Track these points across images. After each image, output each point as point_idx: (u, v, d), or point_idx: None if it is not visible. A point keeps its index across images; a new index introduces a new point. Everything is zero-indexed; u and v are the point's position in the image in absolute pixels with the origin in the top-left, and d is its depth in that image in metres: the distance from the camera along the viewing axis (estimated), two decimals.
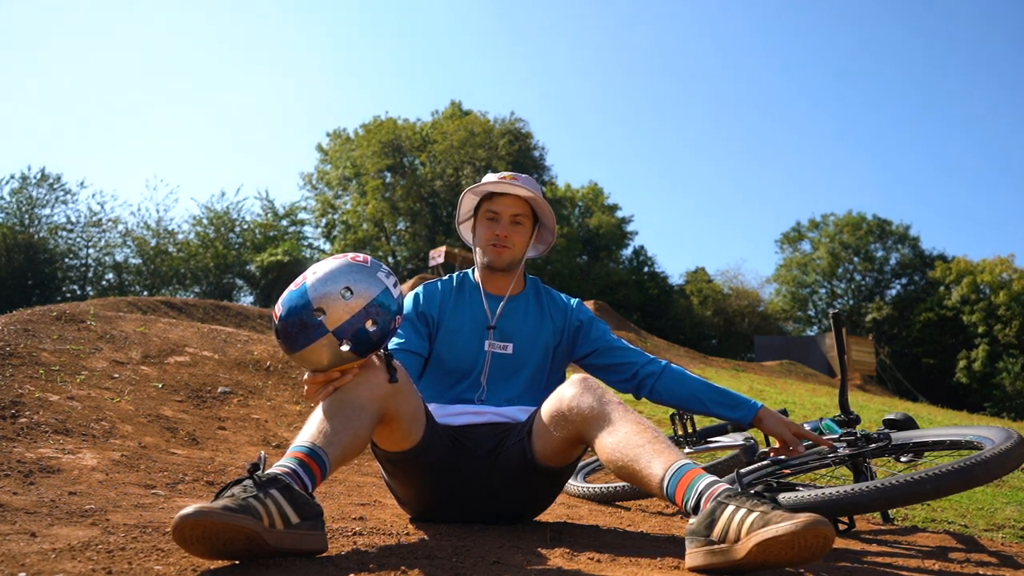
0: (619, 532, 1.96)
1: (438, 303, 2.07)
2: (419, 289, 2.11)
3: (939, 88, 60.86)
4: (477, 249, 2.12)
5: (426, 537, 1.64)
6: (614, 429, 1.60)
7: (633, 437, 1.56)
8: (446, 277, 2.17)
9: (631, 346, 2.12)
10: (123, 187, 60.18)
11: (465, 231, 2.23)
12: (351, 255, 1.60)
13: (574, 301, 2.20)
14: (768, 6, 62.56)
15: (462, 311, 2.07)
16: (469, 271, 2.19)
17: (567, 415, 1.69)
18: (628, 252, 35.83)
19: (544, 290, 2.20)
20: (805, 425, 2.53)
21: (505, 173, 2.08)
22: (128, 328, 4.75)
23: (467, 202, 2.15)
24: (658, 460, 1.49)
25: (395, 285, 1.60)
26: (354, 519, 1.86)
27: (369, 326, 1.53)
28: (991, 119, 58.64)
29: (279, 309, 1.54)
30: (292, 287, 1.56)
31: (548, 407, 1.77)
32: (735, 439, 2.64)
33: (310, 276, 1.55)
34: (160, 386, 3.71)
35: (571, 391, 1.71)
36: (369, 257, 1.61)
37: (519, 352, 2.06)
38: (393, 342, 1.95)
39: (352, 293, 1.52)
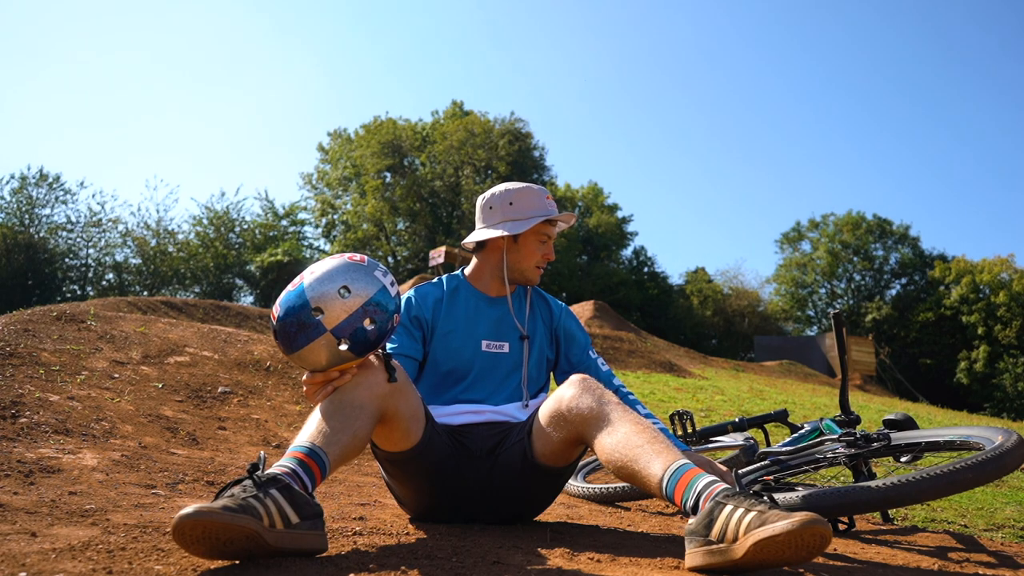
0: (619, 532, 1.96)
1: (431, 306, 2.07)
2: (410, 293, 2.09)
3: (939, 88, 60.91)
4: (508, 259, 2.08)
5: (426, 537, 1.64)
6: (613, 429, 1.60)
7: (632, 437, 1.56)
8: (436, 280, 2.17)
9: (602, 369, 2.16)
10: (123, 187, 60.08)
11: (490, 232, 2.06)
12: (348, 255, 1.61)
13: (562, 305, 2.23)
14: (768, 7, 62.60)
15: (456, 313, 2.07)
16: (459, 272, 2.19)
17: (566, 415, 1.70)
18: (628, 252, 35.89)
19: (533, 290, 2.22)
20: (806, 425, 2.53)
21: (544, 190, 2.10)
22: (128, 328, 4.76)
23: (528, 211, 2.05)
24: (657, 460, 1.49)
25: (392, 284, 1.60)
26: (354, 519, 1.86)
27: (367, 325, 1.53)
28: (991, 119, 58.70)
29: (277, 310, 1.55)
30: (290, 287, 1.57)
31: (547, 407, 1.77)
32: (735, 439, 2.65)
33: (307, 276, 1.56)
34: (160, 386, 3.71)
35: (570, 391, 1.71)
36: (366, 257, 1.62)
37: (515, 352, 2.07)
38: (387, 347, 1.96)
39: (350, 292, 1.52)
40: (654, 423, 1.94)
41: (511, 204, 2.06)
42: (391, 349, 1.95)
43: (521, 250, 2.08)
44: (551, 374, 2.20)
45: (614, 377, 2.14)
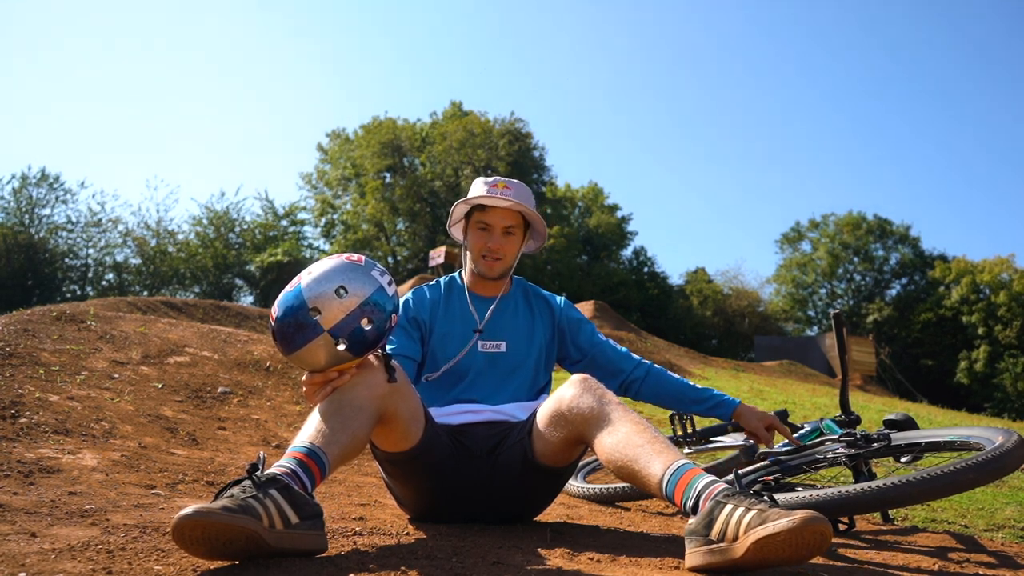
0: (619, 532, 1.96)
1: (428, 307, 2.08)
2: (408, 295, 2.11)
3: (939, 88, 60.92)
4: (467, 254, 2.12)
5: (426, 537, 1.64)
6: (614, 429, 1.60)
7: (632, 437, 1.56)
8: (433, 281, 2.17)
9: (619, 348, 2.16)
10: (123, 187, 60.15)
11: (456, 232, 2.20)
12: (346, 255, 1.60)
13: (561, 299, 2.22)
14: (767, 6, 62.62)
15: (453, 314, 2.08)
16: (456, 273, 2.20)
17: (567, 415, 1.70)
18: (628, 252, 35.84)
19: (531, 289, 2.23)
20: (806, 425, 2.53)
21: (497, 180, 2.06)
22: (128, 328, 4.75)
23: (459, 209, 2.13)
24: (657, 460, 1.49)
25: (390, 284, 1.60)
26: (354, 519, 1.86)
27: (365, 325, 1.53)
28: (991, 118, 58.68)
29: (275, 310, 1.55)
30: (287, 288, 1.57)
31: (548, 407, 1.77)
32: (735, 439, 2.64)
33: (305, 277, 1.56)
34: (160, 386, 3.71)
35: (571, 391, 1.71)
36: (364, 257, 1.61)
37: (513, 351, 2.07)
38: (386, 347, 1.95)
39: (347, 292, 1.52)
40: (681, 381, 2.08)
41: (453, 211, 2.13)
42: (390, 349, 1.95)
43: (469, 242, 2.11)
44: (554, 373, 2.20)
45: (632, 355, 2.15)
